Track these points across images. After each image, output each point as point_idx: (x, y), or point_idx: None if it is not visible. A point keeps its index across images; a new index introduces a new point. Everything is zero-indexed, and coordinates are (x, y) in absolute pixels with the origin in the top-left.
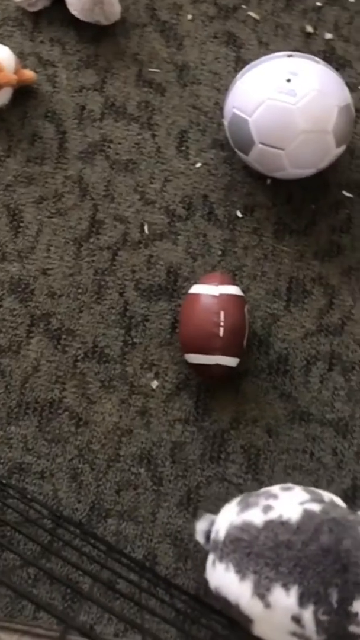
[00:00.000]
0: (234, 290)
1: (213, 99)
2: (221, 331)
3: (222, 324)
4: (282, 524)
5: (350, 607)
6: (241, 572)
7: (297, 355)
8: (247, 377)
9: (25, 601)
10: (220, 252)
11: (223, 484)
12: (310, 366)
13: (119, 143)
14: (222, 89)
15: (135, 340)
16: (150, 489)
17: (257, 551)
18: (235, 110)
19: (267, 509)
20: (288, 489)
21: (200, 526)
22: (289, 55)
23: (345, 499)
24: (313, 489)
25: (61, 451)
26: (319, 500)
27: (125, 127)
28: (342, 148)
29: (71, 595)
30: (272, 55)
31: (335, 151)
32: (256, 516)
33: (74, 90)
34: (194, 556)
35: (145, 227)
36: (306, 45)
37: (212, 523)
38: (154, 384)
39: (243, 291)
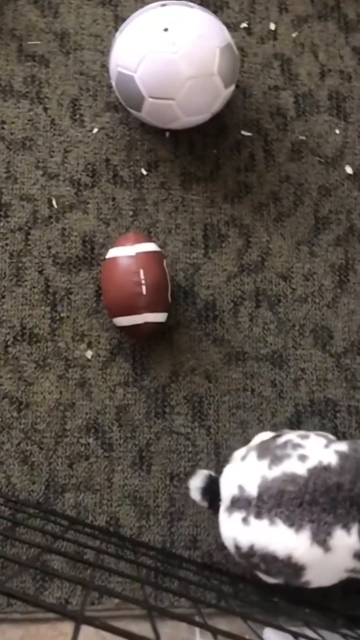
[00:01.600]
0: (150, 247)
1: (98, 62)
2: (144, 289)
3: (143, 282)
4: (325, 469)
5: None
6: (295, 524)
7: (223, 299)
8: (178, 330)
9: None
10: (131, 213)
11: (172, 437)
12: (238, 307)
13: (12, 122)
14: (106, 51)
15: (62, 315)
16: (101, 457)
17: (309, 500)
18: (119, 69)
19: (303, 458)
20: (305, 436)
21: (195, 483)
22: (163, 5)
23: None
24: (317, 432)
25: (7, 438)
26: (333, 439)
27: (15, 106)
28: (232, 88)
29: (41, 575)
30: (145, 7)
31: (225, 92)
32: (296, 466)
33: None
34: (155, 511)
35: (54, 202)
36: None
37: (207, 480)
38: (89, 354)
39: (160, 246)
